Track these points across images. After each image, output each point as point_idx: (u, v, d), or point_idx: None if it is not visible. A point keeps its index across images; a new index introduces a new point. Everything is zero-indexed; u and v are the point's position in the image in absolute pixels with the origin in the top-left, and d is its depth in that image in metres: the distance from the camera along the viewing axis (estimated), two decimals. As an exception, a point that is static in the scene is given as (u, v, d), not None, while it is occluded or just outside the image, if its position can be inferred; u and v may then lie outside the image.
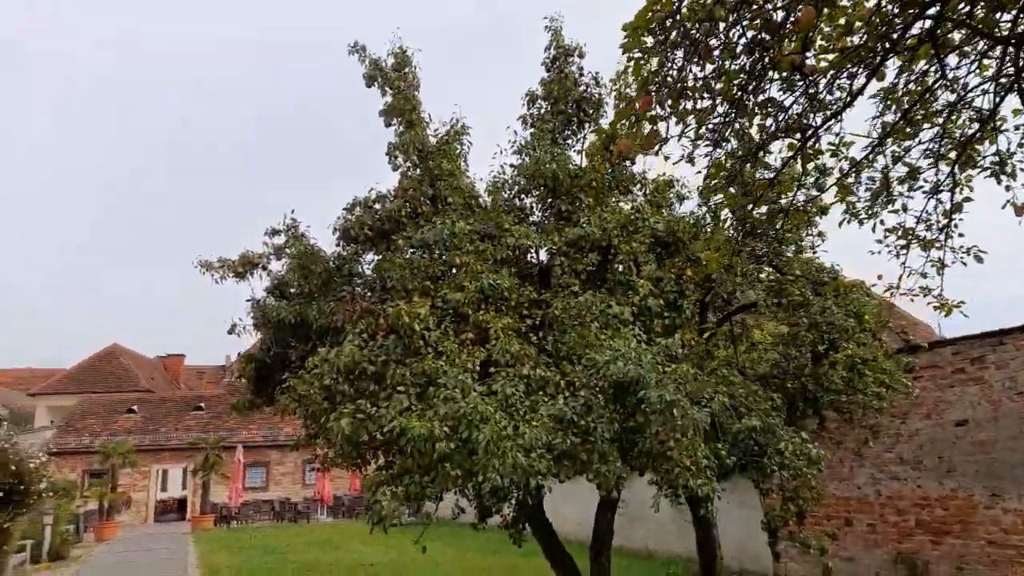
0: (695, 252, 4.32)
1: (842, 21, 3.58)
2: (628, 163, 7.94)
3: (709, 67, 3.51)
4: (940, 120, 4.35)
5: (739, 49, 3.49)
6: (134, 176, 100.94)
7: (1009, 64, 3.69)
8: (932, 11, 3.38)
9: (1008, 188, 4.17)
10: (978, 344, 8.60)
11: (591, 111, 7.79)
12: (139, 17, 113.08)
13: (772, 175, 4.15)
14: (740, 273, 7.18)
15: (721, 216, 7.69)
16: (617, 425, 5.60)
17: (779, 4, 3.40)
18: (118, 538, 22.30)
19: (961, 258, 4.51)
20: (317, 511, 27.46)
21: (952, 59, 4.03)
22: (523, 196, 7.88)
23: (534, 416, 5.48)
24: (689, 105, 3.54)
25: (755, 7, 3.40)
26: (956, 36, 3.76)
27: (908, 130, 4.41)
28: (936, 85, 4.18)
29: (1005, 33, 3.52)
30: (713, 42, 3.40)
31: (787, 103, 4.03)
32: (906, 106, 4.36)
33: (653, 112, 3.31)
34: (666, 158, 3.75)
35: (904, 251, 4.75)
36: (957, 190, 4.52)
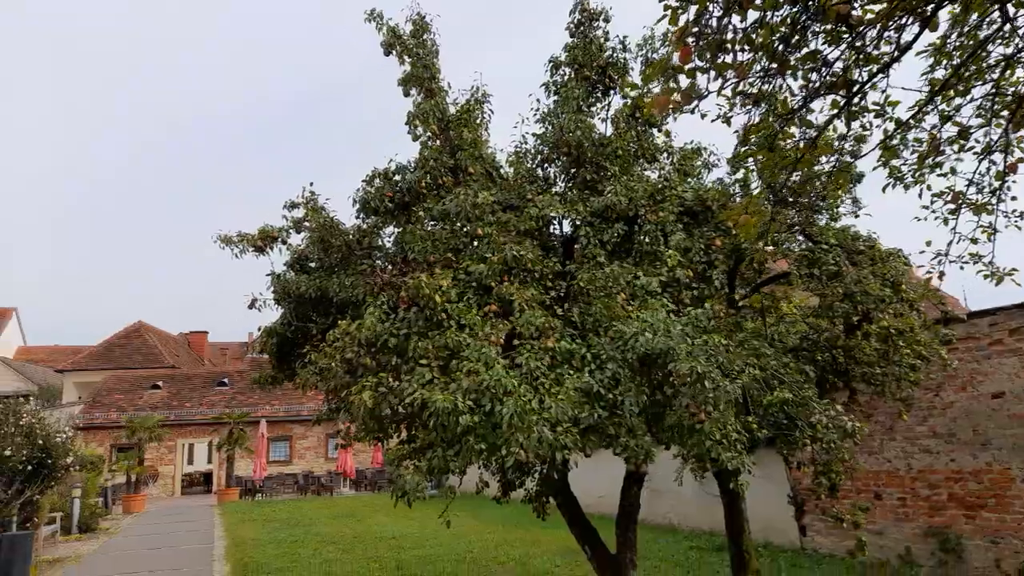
0: (730, 217, 4.10)
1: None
2: (655, 131, 7.71)
3: (750, 17, 3.28)
4: (994, 76, 4.10)
5: (782, -1, 3.26)
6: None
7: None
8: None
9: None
10: (1017, 314, 8.32)
11: (617, 77, 7.53)
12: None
13: (815, 134, 3.91)
14: (772, 242, 6.95)
15: (750, 184, 7.49)
16: (645, 398, 5.46)
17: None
18: (146, 511, 22.73)
19: (1015, 223, 4.26)
20: (340, 484, 27.78)
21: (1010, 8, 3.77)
22: (546, 165, 7.68)
23: (559, 389, 5.35)
24: (729, 59, 3.33)
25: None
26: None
27: (959, 87, 4.15)
28: (992, 37, 3.92)
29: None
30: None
31: (831, 58, 3.80)
32: (957, 60, 4.11)
33: (692, 64, 3.09)
34: (703, 116, 3.54)
35: (953, 216, 4.51)
36: (1010, 151, 4.27)
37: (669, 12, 3.08)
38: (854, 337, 7.08)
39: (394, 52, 7.41)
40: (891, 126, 4.41)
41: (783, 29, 3.43)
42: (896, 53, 3.88)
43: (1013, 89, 4.23)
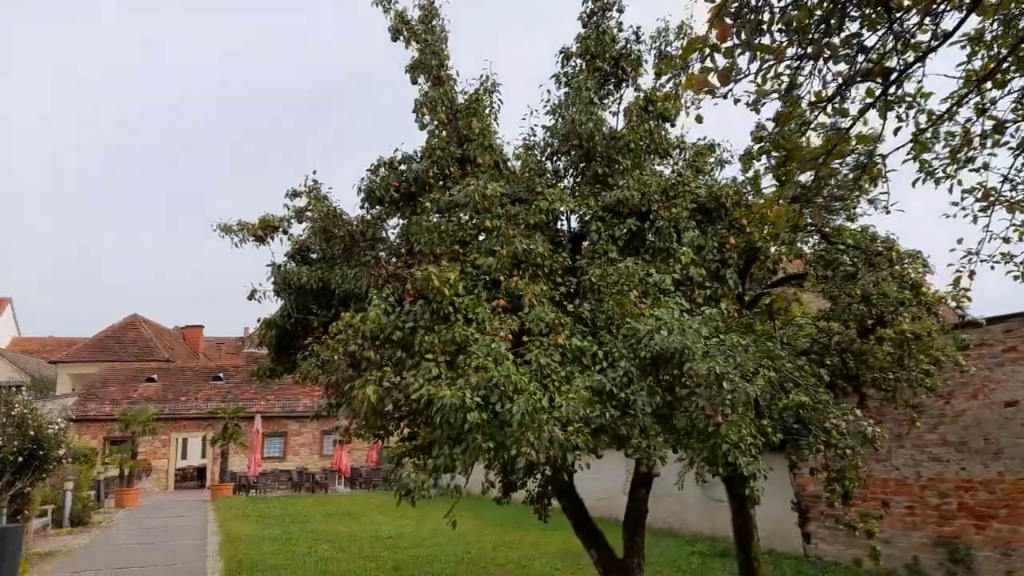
0: (762, 209, 3.91)
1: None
2: (668, 125, 7.52)
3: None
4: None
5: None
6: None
7: None
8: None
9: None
10: (1032, 322, 8.16)
11: (630, 69, 7.34)
12: None
13: (848, 124, 3.72)
14: (787, 242, 6.78)
15: (760, 184, 7.31)
16: (658, 398, 5.28)
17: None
18: (139, 505, 22.48)
19: (1053, 221, 4.09)
20: (335, 482, 27.55)
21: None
22: (555, 159, 7.49)
23: (570, 387, 5.16)
24: (766, 40, 3.14)
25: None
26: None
27: (997, 77, 3.98)
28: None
29: None
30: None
31: (868, 44, 3.62)
32: (997, 51, 3.93)
33: (731, 43, 2.91)
34: (736, 101, 3.36)
35: (983, 214, 4.34)
36: (1048, 146, 4.10)
37: (707, -14, 2.89)
38: (868, 341, 6.90)
39: (401, 37, 7.21)
40: (923, 119, 4.24)
41: (822, 7, 3.25)
42: (934, 41, 3.71)
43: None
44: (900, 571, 9.29)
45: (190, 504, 22.70)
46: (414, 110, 7.12)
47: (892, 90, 3.84)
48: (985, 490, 8.48)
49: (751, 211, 6.92)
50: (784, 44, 3.37)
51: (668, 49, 7.29)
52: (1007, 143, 4.17)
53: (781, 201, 3.70)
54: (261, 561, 11.79)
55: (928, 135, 4.31)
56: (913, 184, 4.40)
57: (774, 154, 6.97)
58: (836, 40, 3.50)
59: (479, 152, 6.94)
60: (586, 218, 6.89)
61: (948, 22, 3.73)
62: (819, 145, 4.05)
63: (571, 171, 7.51)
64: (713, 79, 2.98)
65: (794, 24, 3.30)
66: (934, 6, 3.49)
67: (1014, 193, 4.22)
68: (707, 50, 2.98)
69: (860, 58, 3.64)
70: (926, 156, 4.34)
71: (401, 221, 7.36)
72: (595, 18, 7.44)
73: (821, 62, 3.57)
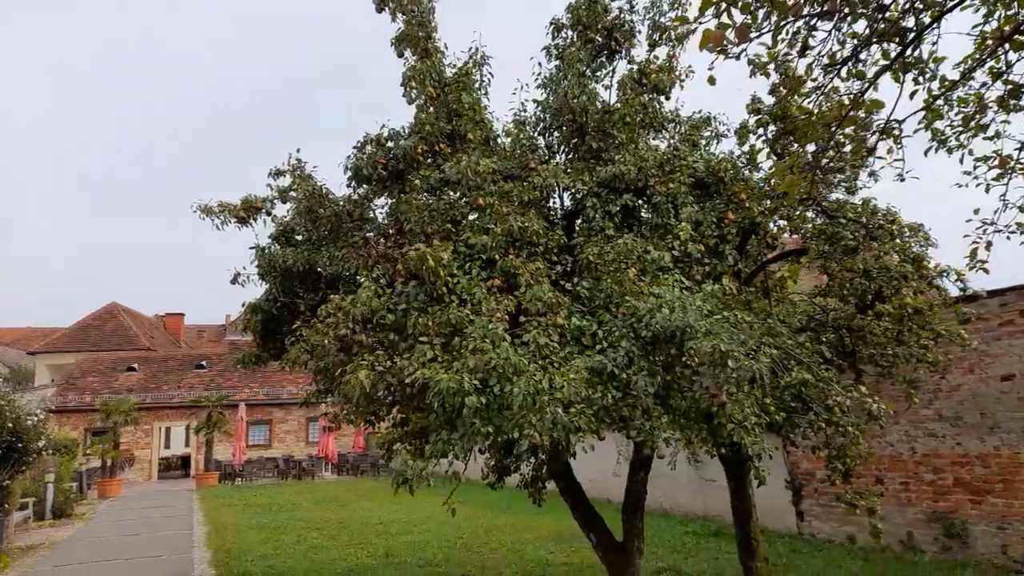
0: (774, 175, 3.74)
1: None
2: (663, 98, 7.32)
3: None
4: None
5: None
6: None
7: None
8: None
9: None
10: (1028, 295, 8.11)
11: (623, 40, 7.12)
12: None
13: (865, 86, 3.55)
14: (788, 217, 6.64)
15: (756, 158, 7.15)
16: (660, 378, 5.13)
17: None
18: (122, 495, 22.18)
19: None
20: (322, 469, 27.36)
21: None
22: (547, 134, 7.28)
23: (569, 367, 4.99)
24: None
25: None
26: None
27: (1015, 37, 3.81)
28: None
29: None
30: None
31: (886, 2, 3.44)
32: (1015, 9, 3.76)
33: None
34: (750, 62, 3.17)
35: (997, 182, 4.20)
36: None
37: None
38: (866, 316, 6.80)
39: (387, 9, 6.93)
40: (935, 85, 4.07)
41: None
42: (950, 1, 3.54)
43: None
44: (894, 547, 9.30)
45: (175, 494, 22.43)
46: (402, 83, 6.86)
47: (908, 52, 3.67)
48: (981, 465, 8.47)
49: (749, 186, 6.77)
50: (800, 2, 3.19)
51: (662, 20, 7.07)
52: (1023, 109, 4.01)
53: (794, 170, 3.52)
54: (249, 550, 11.60)
55: (940, 102, 4.14)
56: (926, 153, 4.24)
57: (771, 128, 6.73)
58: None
59: (470, 127, 6.70)
60: (580, 195, 6.70)
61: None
62: (830, 110, 3.88)
63: (564, 146, 7.30)
64: (731, 35, 2.79)
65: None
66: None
67: (1030, 160, 4.08)
68: (723, 4, 2.78)
69: (877, 17, 3.47)
70: (938, 124, 4.18)
71: (389, 200, 7.11)
72: (587, -14, 7.19)
73: (838, 19, 3.39)
